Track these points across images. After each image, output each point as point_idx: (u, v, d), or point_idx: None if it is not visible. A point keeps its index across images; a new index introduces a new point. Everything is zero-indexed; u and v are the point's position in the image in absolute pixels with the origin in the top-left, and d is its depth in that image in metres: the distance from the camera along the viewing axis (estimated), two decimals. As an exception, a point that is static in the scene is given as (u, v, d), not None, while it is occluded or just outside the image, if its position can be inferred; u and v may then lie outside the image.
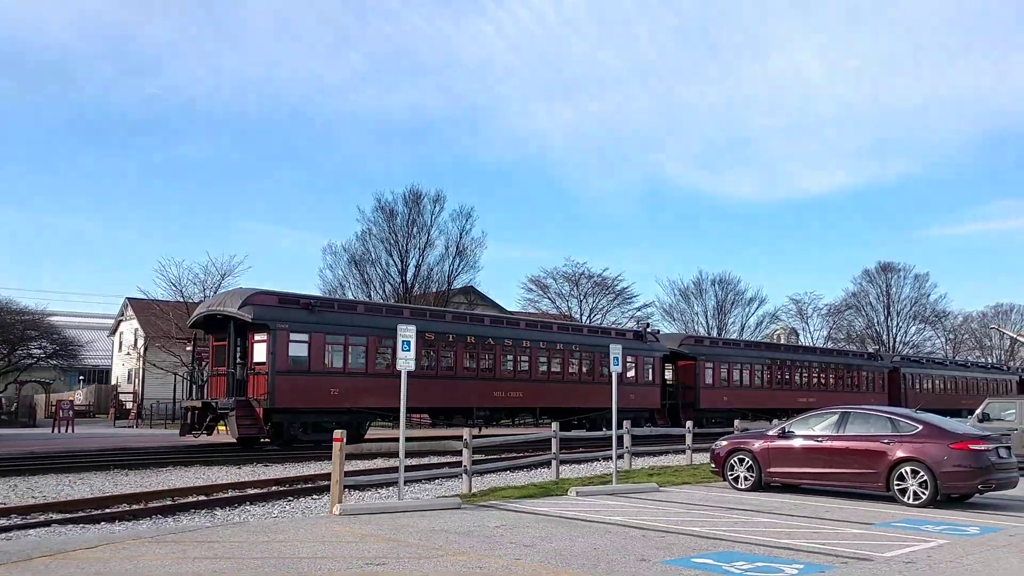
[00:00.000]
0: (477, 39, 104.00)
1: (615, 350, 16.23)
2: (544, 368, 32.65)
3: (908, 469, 14.07)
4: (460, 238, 48.55)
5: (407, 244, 45.14)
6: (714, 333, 59.88)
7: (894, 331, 72.62)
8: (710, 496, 14.95)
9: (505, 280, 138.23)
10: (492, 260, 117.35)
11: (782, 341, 62.23)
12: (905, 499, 13.97)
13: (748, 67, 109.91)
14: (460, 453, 15.59)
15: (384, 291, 45.21)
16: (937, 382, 55.42)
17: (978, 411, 21.90)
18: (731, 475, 16.16)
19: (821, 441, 15.12)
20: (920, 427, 14.38)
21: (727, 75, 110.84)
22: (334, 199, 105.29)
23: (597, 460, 22.23)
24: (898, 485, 14.12)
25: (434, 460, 21.39)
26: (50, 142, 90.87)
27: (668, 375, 40.33)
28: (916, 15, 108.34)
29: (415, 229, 45.39)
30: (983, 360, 68.88)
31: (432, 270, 46.44)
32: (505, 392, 30.62)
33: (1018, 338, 63.17)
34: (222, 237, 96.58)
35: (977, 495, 14.33)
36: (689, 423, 22.56)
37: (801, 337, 67.08)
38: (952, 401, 55.66)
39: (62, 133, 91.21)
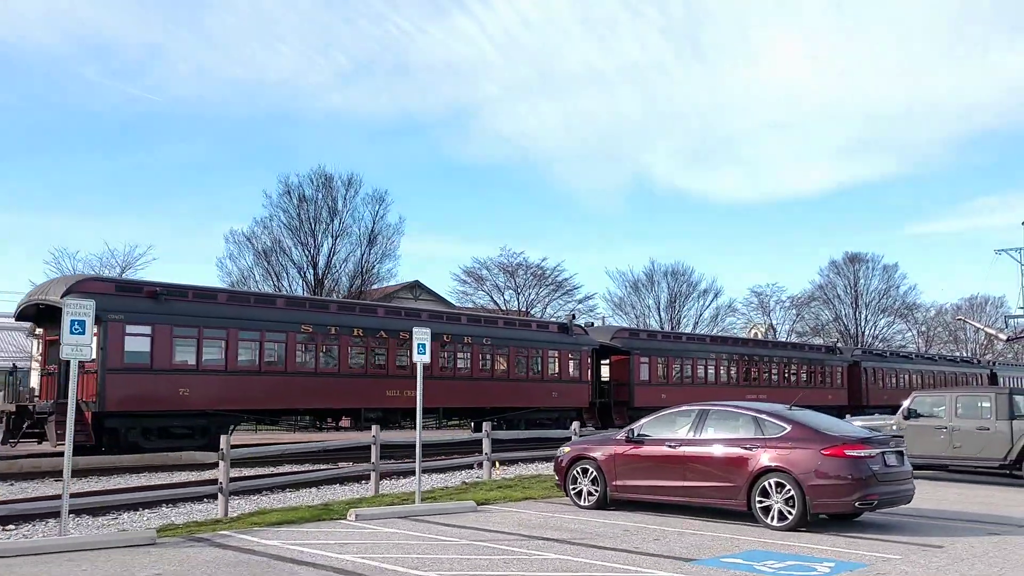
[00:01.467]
0: (462, 39, 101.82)
1: (420, 335, 13.10)
2: (448, 364, 29.53)
3: (772, 482, 11.04)
4: (373, 224, 45.25)
5: (316, 231, 41.80)
6: (667, 327, 56.90)
7: (863, 324, 69.73)
8: (536, 518, 11.87)
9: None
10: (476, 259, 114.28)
11: (759, 337, 59.35)
12: (768, 519, 10.93)
13: (733, 66, 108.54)
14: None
15: (294, 284, 41.86)
16: (902, 376, 52.52)
17: (903, 406, 18.91)
18: (573, 489, 13.09)
19: (675, 447, 12.06)
20: (788, 428, 11.33)
21: (712, 74, 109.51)
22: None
23: (471, 468, 18.97)
24: (760, 502, 11.07)
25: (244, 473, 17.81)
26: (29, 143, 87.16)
27: (606, 372, 37.33)
28: (900, 14, 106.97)
29: (325, 215, 42.11)
30: (954, 354, 66.12)
31: (345, 261, 43.10)
32: (400, 391, 27.47)
33: (985, 330, 60.46)
34: (198, 239, 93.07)
35: (868, 512, 11.33)
36: (575, 424, 19.47)
37: (759, 332, 64.19)
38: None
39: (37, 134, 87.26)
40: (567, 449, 13.47)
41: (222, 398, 23.26)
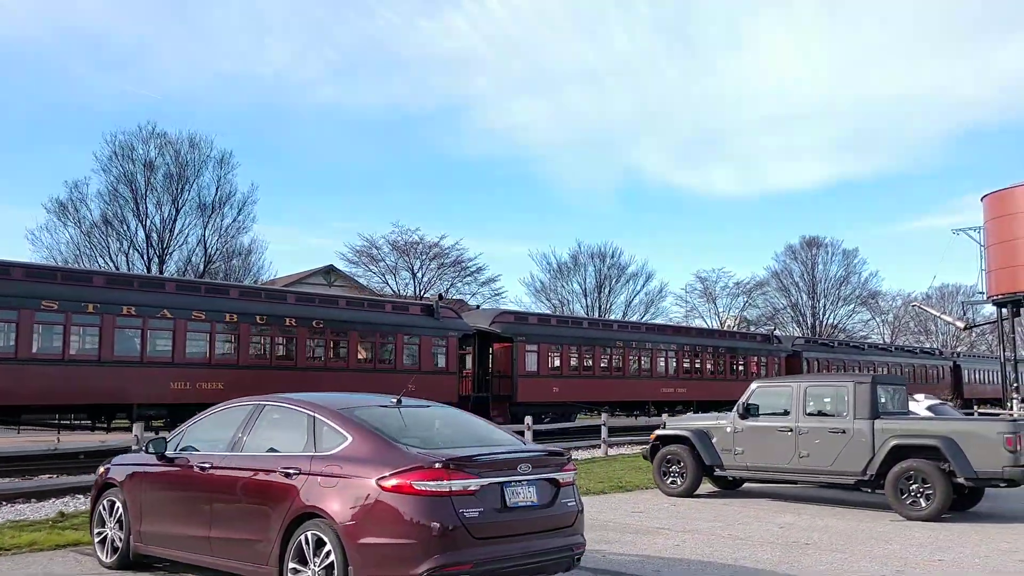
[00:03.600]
0: (452, 34, 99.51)
1: None
2: (263, 352, 24.65)
3: (310, 536, 6.19)
4: (216, 191, 40.23)
5: (147, 198, 36.62)
6: (595, 314, 51.95)
7: (821, 312, 64.93)
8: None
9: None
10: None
11: (686, 325, 54.42)
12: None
13: (724, 61, 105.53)
14: None
15: (135, 263, 36.69)
16: (851, 368, 47.65)
17: (740, 400, 14.05)
18: (98, 536, 8.23)
19: (205, 469, 7.20)
20: (348, 438, 6.46)
21: (703, 69, 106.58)
22: (305, 196, 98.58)
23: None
24: (295, 574, 6.23)
25: None
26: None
27: (489, 361, 32.50)
28: (891, 10, 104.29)
29: (161, 180, 36.92)
30: (915, 345, 61.33)
31: (186, 234, 37.92)
32: (189, 383, 22.56)
33: (941, 317, 55.78)
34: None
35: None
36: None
37: (707, 319, 59.42)
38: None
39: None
40: (102, 469, 8.55)
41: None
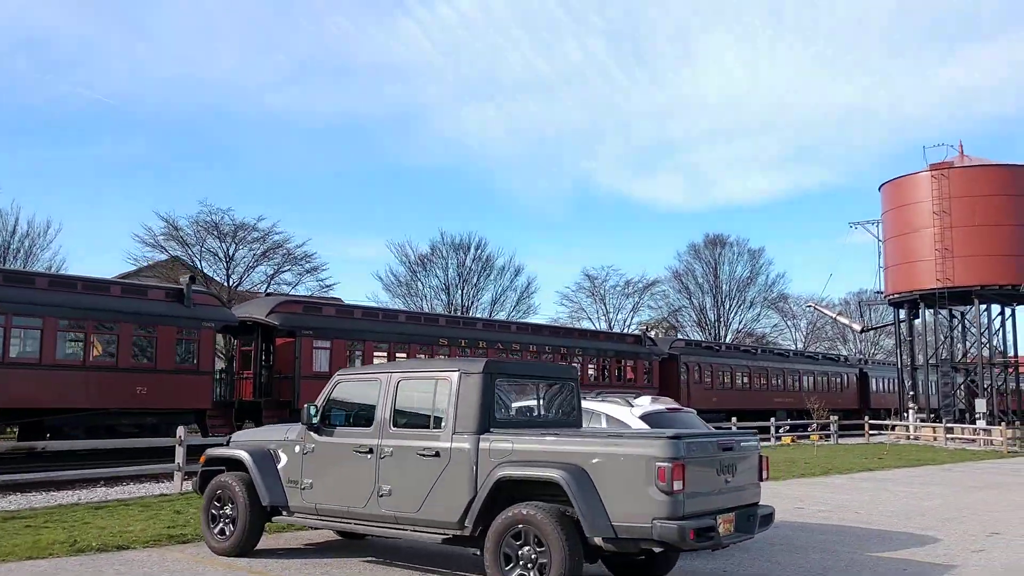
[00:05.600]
0: (404, 41, 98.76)
1: None
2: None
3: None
4: None
5: None
6: (456, 312, 46.70)
7: (725, 314, 60.48)
8: None
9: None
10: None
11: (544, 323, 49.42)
12: None
13: (674, 72, 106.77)
14: None
15: None
16: (739, 375, 43.20)
17: (319, 399, 8.79)
18: None
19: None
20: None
21: (654, 80, 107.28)
22: (258, 204, 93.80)
23: None
24: None
25: None
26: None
27: (272, 359, 27.11)
28: (837, 25, 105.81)
29: None
30: (820, 351, 57.19)
31: None
32: None
33: (837, 319, 51.86)
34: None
35: None
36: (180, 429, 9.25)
37: (592, 321, 54.62)
38: (759, 400, 43.69)
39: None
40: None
41: None
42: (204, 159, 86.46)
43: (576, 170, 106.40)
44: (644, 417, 9.85)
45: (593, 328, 39.76)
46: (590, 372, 34.95)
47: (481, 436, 7.49)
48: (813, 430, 39.00)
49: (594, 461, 6.86)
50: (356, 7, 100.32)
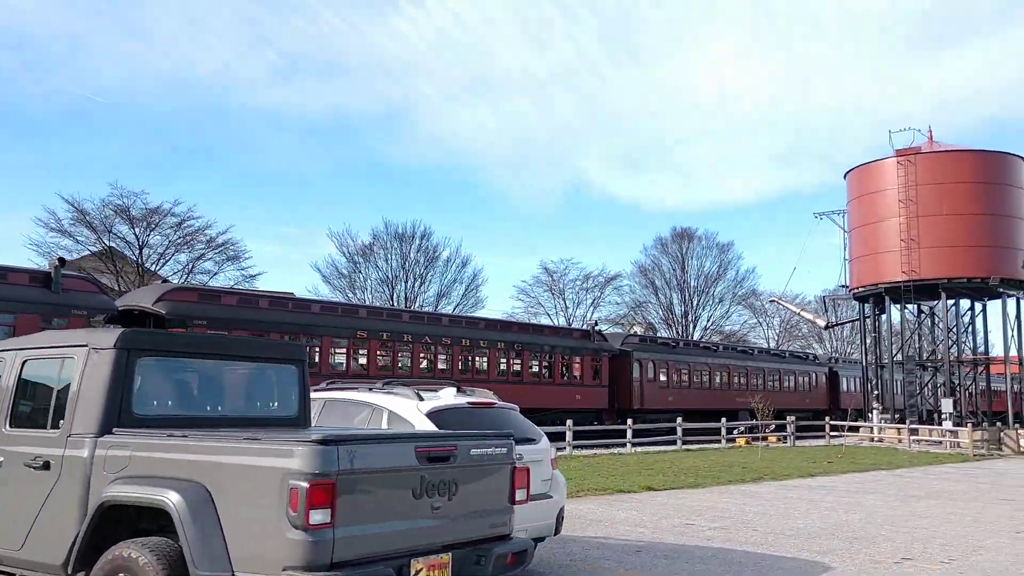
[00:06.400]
0: (396, 38, 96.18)
1: None
2: None
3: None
4: None
5: None
6: (404, 306, 44.26)
7: (694, 310, 58.20)
8: None
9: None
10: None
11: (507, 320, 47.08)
12: None
13: (667, 71, 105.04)
14: None
15: None
16: (698, 373, 40.96)
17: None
18: None
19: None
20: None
21: (646, 79, 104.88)
22: (247, 198, 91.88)
23: None
24: None
25: None
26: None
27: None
28: (828, 25, 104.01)
29: None
30: (786, 349, 54.99)
31: None
32: None
33: (801, 314, 49.69)
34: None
35: None
36: None
37: (550, 317, 52.28)
38: (719, 400, 41.50)
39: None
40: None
41: None
42: (195, 156, 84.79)
43: (569, 169, 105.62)
44: (432, 415, 7.54)
45: (537, 323, 37.24)
46: (532, 369, 32.65)
47: (100, 439, 5.19)
48: (771, 431, 36.82)
49: (218, 477, 4.57)
50: (348, 5, 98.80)
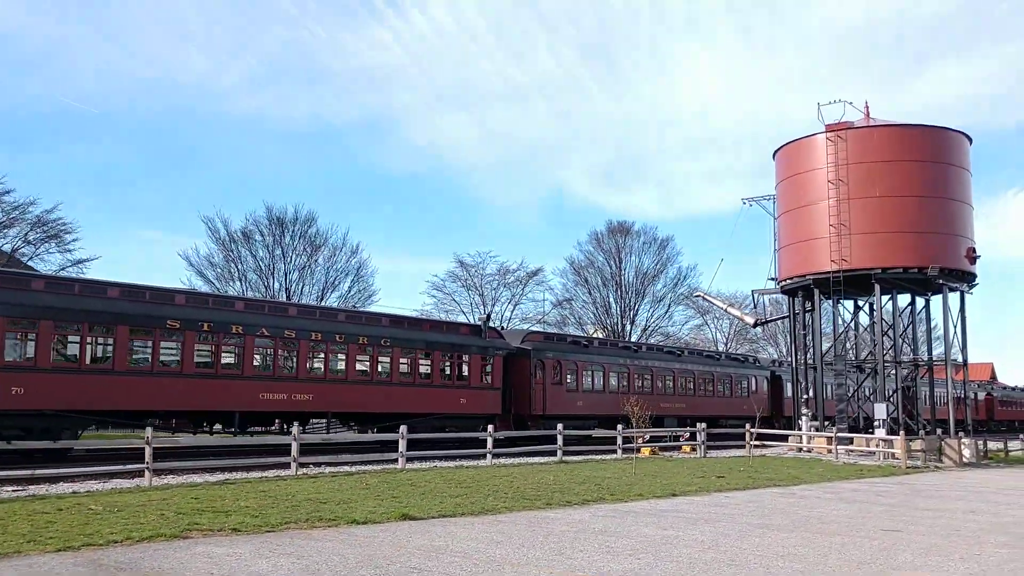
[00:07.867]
0: (377, 47, 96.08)
1: None
2: None
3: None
4: None
5: None
6: (286, 300, 39.88)
7: (631, 309, 54.05)
8: None
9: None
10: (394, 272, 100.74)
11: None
12: None
13: (647, 84, 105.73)
14: None
15: None
16: (615, 376, 36.84)
17: None
18: None
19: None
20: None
21: (626, 91, 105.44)
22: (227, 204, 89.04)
23: None
24: None
25: None
26: None
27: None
28: (806, 40, 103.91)
29: None
30: (722, 350, 51.03)
31: None
32: None
33: (728, 310, 45.73)
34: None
35: None
36: None
37: (465, 314, 48.05)
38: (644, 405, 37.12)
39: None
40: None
41: None
42: (175, 162, 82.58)
43: (549, 181, 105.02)
44: None
45: (413, 316, 32.96)
46: (402, 369, 28.42)
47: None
48: (686, 440, 32.84)
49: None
50: (328, 13, 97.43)
